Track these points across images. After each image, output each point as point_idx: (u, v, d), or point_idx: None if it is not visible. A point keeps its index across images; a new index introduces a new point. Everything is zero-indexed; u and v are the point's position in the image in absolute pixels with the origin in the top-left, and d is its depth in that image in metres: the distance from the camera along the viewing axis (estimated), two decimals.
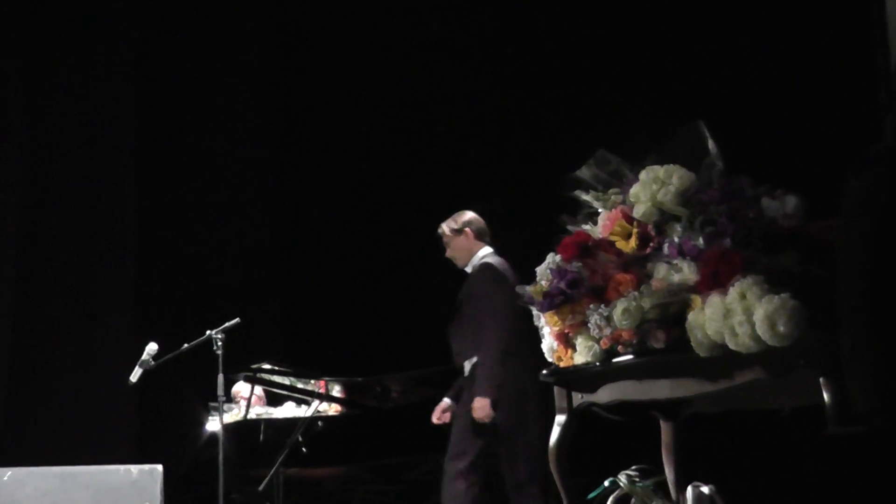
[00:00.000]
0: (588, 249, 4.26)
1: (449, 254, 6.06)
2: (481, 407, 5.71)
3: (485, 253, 5.99)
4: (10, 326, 7.59)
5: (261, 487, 6.44)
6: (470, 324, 5.81)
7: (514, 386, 5.74)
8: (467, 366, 5.89)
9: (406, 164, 8.08)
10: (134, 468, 5.15)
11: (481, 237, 6.03)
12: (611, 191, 4.39)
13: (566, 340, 4.22)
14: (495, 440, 5.79)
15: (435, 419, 5.98)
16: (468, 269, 5.99)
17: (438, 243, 6.08)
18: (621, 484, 4.27)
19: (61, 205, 7.89)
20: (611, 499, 4.26)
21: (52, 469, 5.19)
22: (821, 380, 3.53)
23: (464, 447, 5.77)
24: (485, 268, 5.88)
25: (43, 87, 7.87)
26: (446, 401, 6.03)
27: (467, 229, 6.01)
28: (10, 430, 7.39)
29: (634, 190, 4.21)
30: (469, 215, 6.08)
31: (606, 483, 4.31)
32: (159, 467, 5.18)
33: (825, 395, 3.50)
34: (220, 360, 5.65)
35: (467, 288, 5.92)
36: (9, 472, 5.04)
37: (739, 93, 6.77)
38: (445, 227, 6.05)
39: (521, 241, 5.31)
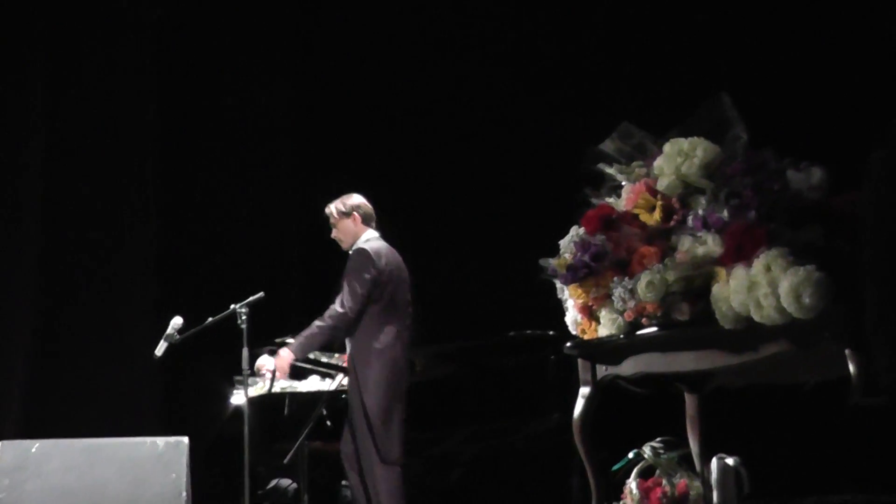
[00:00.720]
0: (612, 222, 4.26)
1: (335, 235, 6.06)
2: (282, 358, 5.78)
3: (367, 237, 5.99)
4: (34, 302, 7.63)
5: (286, 461, 6.45)
6: None
7: (387, 367, 5.79)
8: (348, 345, 5.87)
9: (432, 137, 8.04)
10: (160, 441, 5.16)
11: (367, 221, 6.03)
12: (634, 164, 4.38)
13: (590, 313, 4.23)
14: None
15: None
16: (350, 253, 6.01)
17: (327, 224, 6.07)
18: (646, 456, 4.29)
19: (84, 181, 7.89)
20: (635, 470, 4.27)
21: (78, 441, 5.19)
22: (846, 352, 3.53)
23: (365, 431, 5.77)
24: (356, 252, 5.90)
25: (64, 59, 7.87)
26: None
27: (355, 213, 6.01)
28: (37, 404, 7.44)
29: (658, 163, 4.21)
30: (357, 199, 6.08)
31: (631, 455, 4.33)
32: (185, 440, 5.19)
33: (850, 367, 3.51)
34: (245, 334, 5.64)
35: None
36: (36, 445, 5.05)
37: (763, 64, 6.73)
38: (333, 209, 6.05)
39: (542, 215, 5.29)
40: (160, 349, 5.67)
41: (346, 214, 6.03)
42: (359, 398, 5.80)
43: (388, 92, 8.20)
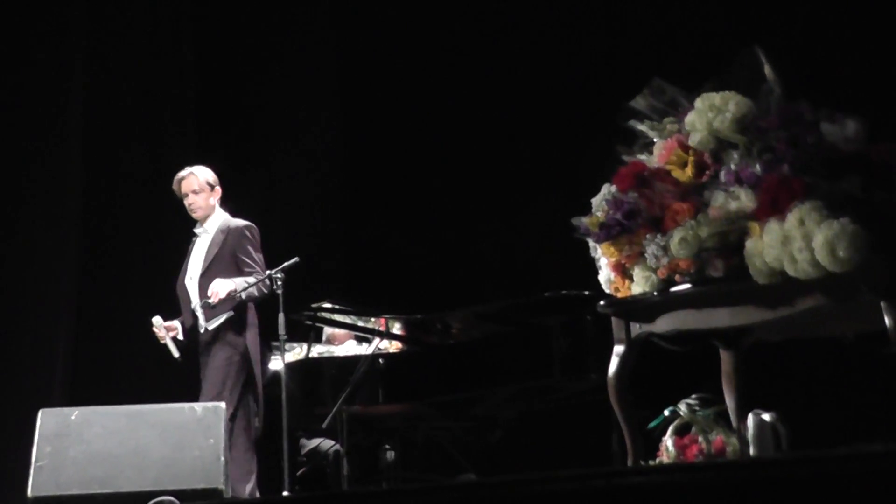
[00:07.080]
0: (644, 179, 4.21)
1: (191, 202, 6.00)
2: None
3: (223, 213, 6.01)
4: (78, 272, 7.71)
5: (324, 425, 6.49)
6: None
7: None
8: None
9: (469, 102, 8.00)
10: (198, 406, 5.21)
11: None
12: (666, 120, 4.33)
13: (623, 271, 4.19)
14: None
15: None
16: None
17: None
18: (681, 413, 4.26)
19: (123, 152, 7.97)
20: (671, 428, 4.24)
21: (119, 408, 5.24)
22: (882, 304, 3.48)
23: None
24: (249, 228, 5.96)
25: (104, 24, 7.95)
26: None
27: (217, 188, 6.03)
28: (80, 373, 7.53)
29: (690, 118, 4.16)
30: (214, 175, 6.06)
31: (666, 412, 4.30)
32: (222, 405, 5.23)
33: (886, 319, 3.46)
34: (281, 299, 5.67)
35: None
36: (76, 412, 5.11)
37: (798, 16, 6.63)
38: (202, 177, 6.02)
39: (574, 173, 5.25)
40: (175, 351, 5.71)
41: (211, 187, 5.98)
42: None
43: (423, 55, 8.16)
